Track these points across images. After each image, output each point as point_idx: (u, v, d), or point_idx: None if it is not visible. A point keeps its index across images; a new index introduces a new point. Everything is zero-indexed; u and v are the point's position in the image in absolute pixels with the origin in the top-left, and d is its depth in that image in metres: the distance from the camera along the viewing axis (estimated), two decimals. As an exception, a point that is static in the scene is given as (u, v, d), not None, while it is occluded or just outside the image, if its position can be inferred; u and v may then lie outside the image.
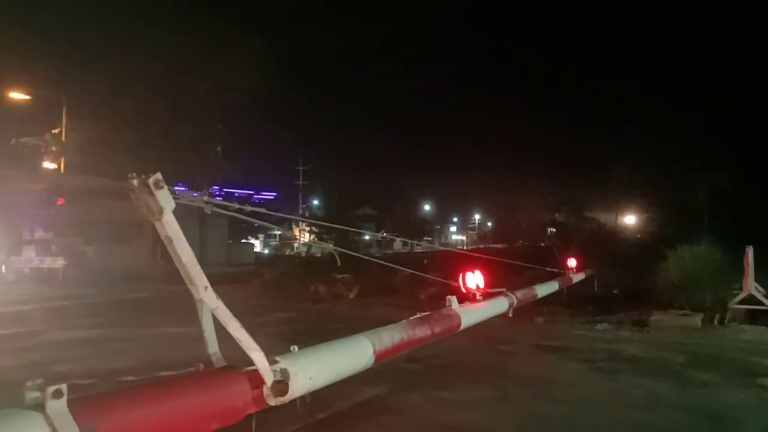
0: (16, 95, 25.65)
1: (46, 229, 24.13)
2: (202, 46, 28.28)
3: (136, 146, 24.37)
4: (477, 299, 4.17)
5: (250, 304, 13.75)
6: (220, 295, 1.97)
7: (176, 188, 1.84)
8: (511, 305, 4.61)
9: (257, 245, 52.29)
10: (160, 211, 1.74)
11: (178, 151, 26.33)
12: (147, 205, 1.73)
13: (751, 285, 10.82)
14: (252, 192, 69.42)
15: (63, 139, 24.45)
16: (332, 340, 2.53)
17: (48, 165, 24.33)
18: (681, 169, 28.96)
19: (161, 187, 1.71)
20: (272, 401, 1.97)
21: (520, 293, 4.98)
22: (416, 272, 6.94)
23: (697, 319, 10.48)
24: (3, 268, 22.69)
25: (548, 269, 8.60)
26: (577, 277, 9.13)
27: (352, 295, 16.41)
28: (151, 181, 1.69)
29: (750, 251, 10.99)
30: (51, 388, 1.38)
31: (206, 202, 2.02)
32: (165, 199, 1.73)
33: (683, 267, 11.96)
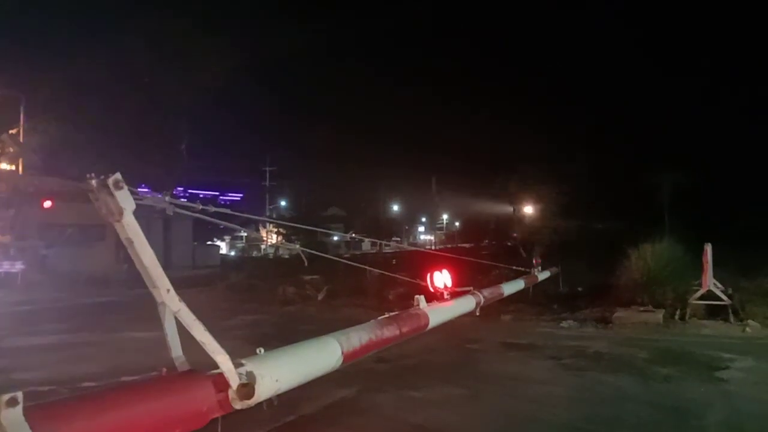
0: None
1: (4, 232, 23.38)
2: (168, 46, 27.85)
3: (99, 146, 23.83)
4: (445, 298, 4.19)
5: (215, 307, 13.58)
6: (185, 298, 1.93)
7: (139, 189, 1.80)
8: (478, 304, 4.64)
9: (223, 247, 51.67)
10: (120, 213, 1.69)
11: (143, 152, 25.83)
12: (107, 206, 1.68)
13: (710, 281, 11.14)
14: (217, 193, 68.50)
15: (21, 139, 23.74)
16: (299, 342, 2.51)
17: (5, 166, 23.57)
18: (642, 168, 29.69)
19: (121, 188, 1.66)
20: (238, 405, 1.94)
21: (486, 292, 5.02)
22: (385, 272, 6.94)
23: (658, 316, 10.74)
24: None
25: (514, 268, 8.70)
26: (543, 275, 9.26)
27: (320, 297, 16.35)
28: (110, 181, 1.64)
29: (709, 248, 11.31)
30: (5, 396, 1.33)
31: (169, 203, 1.98)
32: (125, 200, 1.68)
33: (645, 265, 12.24)
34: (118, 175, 1.65)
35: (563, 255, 14.25)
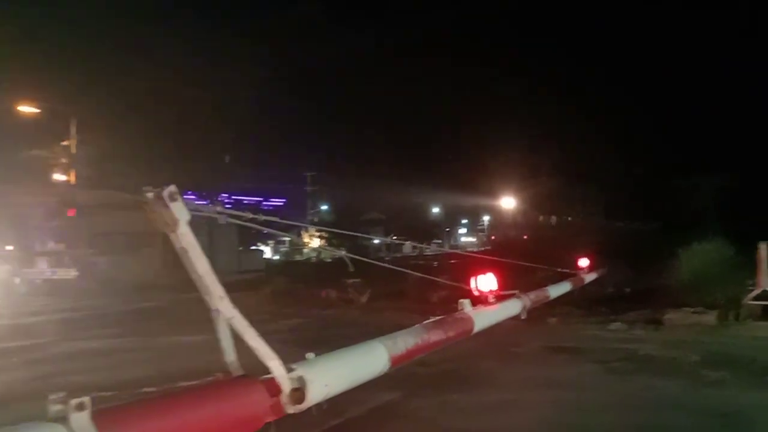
0: (26, 109, 25.88)
1: (58, 240, 24.30)
2: (211, 57, 28.51)
3: (145, 157, 24.60)
4: (490, 302, 4.16)
5: (260, 311, 13.78)
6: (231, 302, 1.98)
7: (185, 197, 1.86)
8: (524, 307, 4.60)
9: (267, 252, 52.42)
10: (175, 223, 1.75)
11: (188, 161, 26.52)
12: (162, 218, 1.75)
13: (764, 281, 10.74)
14: (261, 199, 69.59)
15: (73, 151, 24.66)
16: (347, 347, 2.54)
17: (58, 177, 24.53)
18: (687, 166, 28.97)
19: (176, 199, 1.73)
20: (290, 409, 1.98)
21: (532, 295, 4.97)
22: (426, 276, 6.93)
23: (711, 317, 10.40)
24: (17, 279, 22.86)
25: (559, 270, 8.57)
26: (589, 277, 9.08)
27: (363, 300, 16.41)
28: (165, 193, 1.70)
29: (764, 247, 10.92)
30: (74, 401, 1.39)
31: (220, 213, 2.04)
32: (180, 211, 1.74)
33: (695, 265, 11.90)
34: (173, 187, 1.71)
35: (608, 256, 13.96)
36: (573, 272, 8.58)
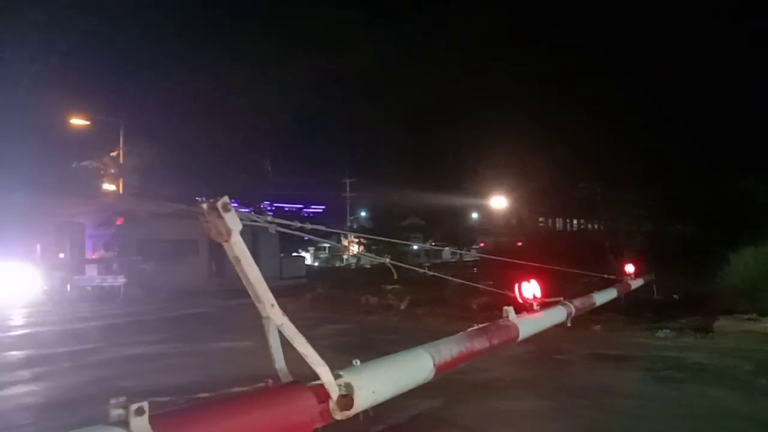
0: (77, 121, 26.89)
1: (107, 248, 25.09)
2: (252, 65, 29.05)
3: (189, 166, 25.25)
4: (534, 309, 4.12)
5: (302, 317, 13.93)
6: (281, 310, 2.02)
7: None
8: (569, 314, 4.53)
9: (308, 258, 52.91)
10: (229, 233, 1.80)
11: (230, 170, 27.08)
12: (216, 227, 1.80)
13: (822, 287, 10.31)
14: (301, 206, 70.33)
15: (121, 161, 25.50)
16: (392, 354, 2.55)
17: (107, 186, 25.39)
18: (737, 168, 28.10)
19: (229, 210, 1.78)
20: (338, 415, 2.01)
21: (578, 302, 4.89)
22: (467, 282, 6.89)
23: (765, 324, 10.03)
24: (68, 286, 23.69)
25: (605, 276, 8.40)
26: (636, 283, 8.87)
27: (402, 306, 16.40)
28: (219, 204, 1.75)
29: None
30: (134, 406, 1.45)
31: (270, 222, 2.09)
32: (233, 221, 1.79)
33: (748, 270, 11.49)
34: (226, 199, 1.77)
35: (654, 261, 13.59)
36: (619, 278, 8.40)
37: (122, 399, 1.50)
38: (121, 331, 13.69)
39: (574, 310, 4.64)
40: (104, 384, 7.70)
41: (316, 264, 53.92)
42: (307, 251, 55.68)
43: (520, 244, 31.36)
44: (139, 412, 1.44)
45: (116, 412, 1.49)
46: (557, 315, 4.41)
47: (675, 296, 13.70)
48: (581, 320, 10.24)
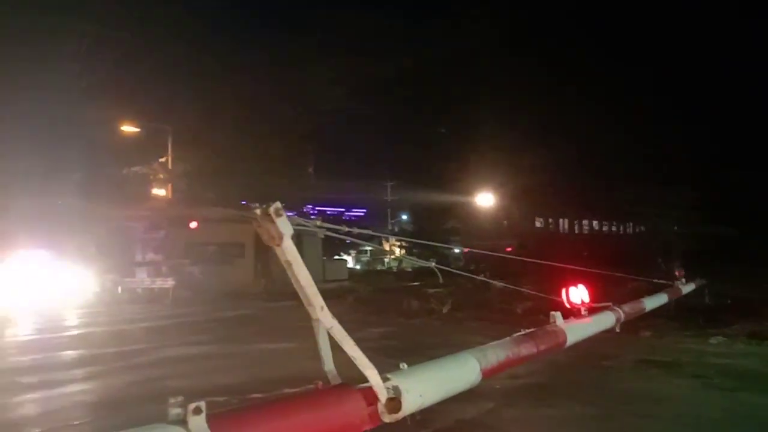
0: (127, 128, 27.82)
1: (156, 251, 25.82)
2: (294, 71, 29.41)
3: (234, 171, 25.75)
4: (582, 314, 4.05)
5: (345, 320, 13.73)
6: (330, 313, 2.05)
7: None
8: (618, 320, 4.43)
9: (349, 261, 53.22)
10: (281, 237, 1.84)
11: (274, 175, 27.47)
12: (268, 232, 1.84)
13: None
14: (343, 209, 70.83)
15: (169, 167, 26.22)
16: (439, 358, 2.55)
17: (156, 191, 26.14)
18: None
19: (281, 215, 1.82)
20: (386, 418, 2.02)
21: (627, 307, 4.77)
22: (509, 285, 6.81)
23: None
24: (119, 288, 24.48)
25: (655, 281, 8.16)
26: (687, 288, 8.60)
27: (445, 310, 16.33)
28: (272, 209, 1.80)
29: None
30: (192, 405, 1.50)
31: (319, 227, 2.12)
32: (284, 226, 1.83)
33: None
34: (278, 204, 1.81)
35: (705, 265, 13.17)
36: (670, 283, 8.16)
37: (180, 398, 1.55)
38: (169, 332, 14.05)
39: (623, 316, 4.54)
40: (154, 384, 7.92)
41: (358, 267, 54.17)
42: (349, 254, 56.00)
43: (509, 249, 30.29)
44: (197, 411, 1.48)
45: (175, 411, 1.53)
46: (606, 320, 4.32)
47: (728, 301, 13.24)
48: (629, 326, 9.98)
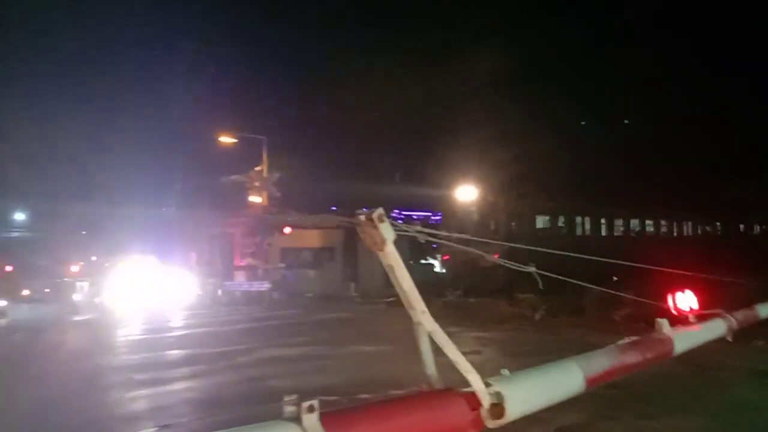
0: (225, 139, 29.27)
1: (253, 256, 26.96)
2: (382, 78, 29.72)
3: (328, 178, 26.53)
4: (690, 322, 3.84)
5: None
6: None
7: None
8: (729, 328, 4.15)
9: (436, 265, 53.02)
10: (383, 242, 1.89)
11: (365, 180, 27.97)
12: (371, 237, 1.89)
13: None
14: (429, 213, 70.62)
15: (264, 175, 27.29)
16: (542, 365, 2.51)
17: (253, 199, 27.29)
18: None
19: (383, 221, 1.86)
20: (490, 424, 2.01)
21: (739, 314, 4.46)
22: (608, 291, 6.53)
23: None
24: (219, 291, 25.79)
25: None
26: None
27: (537, 317, 15.92)
28: (375, 215, 1.85)
29: None
30: (306, 403, 1.56)
31: (419, 232, 2.15)
32: (387, 231, 1.88)
33: None
34: (380, 210, 1.86)
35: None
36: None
37: (294, 397, 1.62)
38: (267, 333, 14.59)
39: (735, 324, 4.25)
40: (256, 383, 8.26)
41: (443, 271, 53.82)
42: (435, 258, 55.80)
43: (496, 256, 27.23)
44: (311, 409, 1.54)
45: (289, 409, 1.61)
46: (716, 328, 4.06)
47: None
48: (740, 334, 9.33)
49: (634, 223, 38.71)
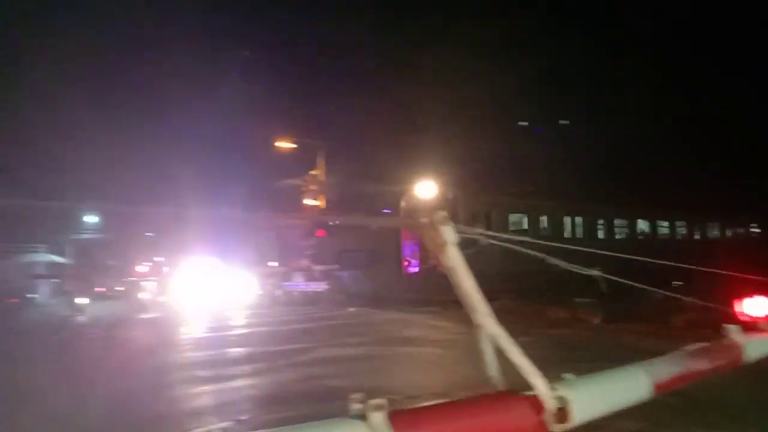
0: (283, 144, 29.99)
1: (311, 257, 27.45)
2: (440, 81, 29.69)
3: (381, 180, 26.66)
4: (761, 328, 3.68)
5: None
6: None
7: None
8: (807, 336, 3.95)
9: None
10: (445, 245, 1.92)
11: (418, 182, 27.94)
12: (433, 240, 1.93)
13: None
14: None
15: (321, 179, 27.76)
16: (607, 370, 2.48)
17: (309, 202, 27.79)
18: None
19: (446, 224, 1.89)
20: (554, 428, 2.01)
21: (818, 322, 4.24)
22: (675, 294, 6.31)
23: None
24: (278, 292, 26.39)
25: None
26: None
27: (595, 321, 15.51)
28: (437, 218, 1.88)
29: None
30: (373, 401, 1.61)
31: (481, 234, 2.18)
32: (449, 234, 1.91)
33: None
34: (443, 213, 1.89)
35: None
36: None
37: (360, 395, 1.67)
38: (325, 333, 14.79)
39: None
40: (315, 382, 8.41)
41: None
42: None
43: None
44: (379, 407, 1.59)
45: (356, 407, 1.65)
46: (792, 336, 3.88)
47: None
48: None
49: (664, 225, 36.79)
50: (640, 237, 35.21)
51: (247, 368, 9.96)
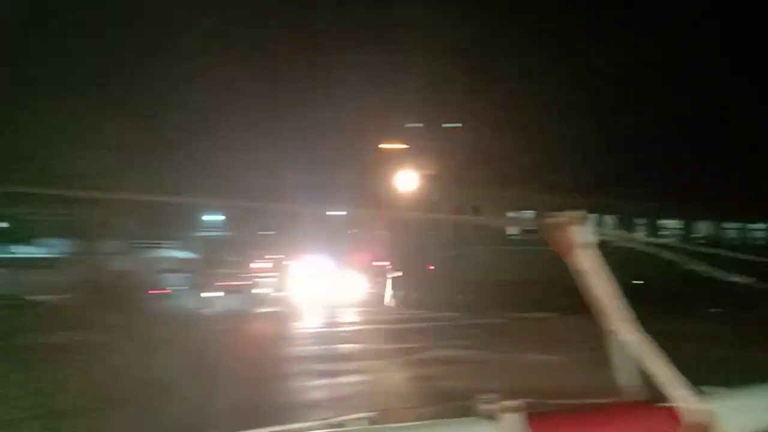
0: (386, 146, 30.71)
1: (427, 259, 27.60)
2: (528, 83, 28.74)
3: (474, 181, 26.53)
4: None
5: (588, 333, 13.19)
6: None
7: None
8: None
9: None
10: (579, 246, 1.85)
11: (516, 182, 27.38)
12: (567, 240, 1.87)
13: None
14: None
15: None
16: (755, 384, 2.29)
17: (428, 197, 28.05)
18: None
19: (584, 224, 1.83)
20: (696, 442, 1.88)
21: None
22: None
23: None
24: (386, 291, 26.79)
25: None
26: None
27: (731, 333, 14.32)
28: (577, 217, 1.82)
29: None
30: (508, 402, 1.59)
31: (620, 237, 2.08)
32: (587, 234, 1.84)
33: None
34: (583, 212, 1.83)
35: None
36: None
37: (493, 395, 1.65)
38: (433, 333, 14.80)
39: None
40: (428, 382, 8.45)
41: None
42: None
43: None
44: (517, 408, 1.57)
45: (486, 407, 1.64)
46: None
47: None
48: None
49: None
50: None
51: (358, 365, 10.24)
